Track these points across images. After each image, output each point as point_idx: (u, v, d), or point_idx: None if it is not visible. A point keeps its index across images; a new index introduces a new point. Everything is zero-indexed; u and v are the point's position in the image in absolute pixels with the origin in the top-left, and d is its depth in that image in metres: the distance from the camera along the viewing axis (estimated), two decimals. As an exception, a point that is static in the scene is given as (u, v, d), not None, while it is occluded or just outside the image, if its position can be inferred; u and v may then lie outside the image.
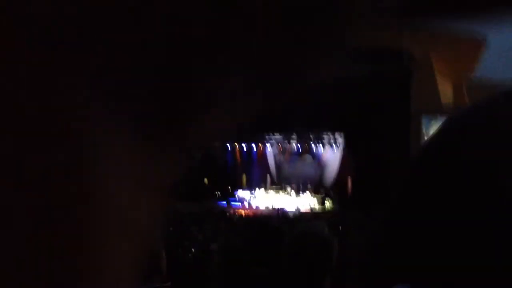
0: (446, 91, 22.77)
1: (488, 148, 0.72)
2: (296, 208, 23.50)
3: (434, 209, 0.77)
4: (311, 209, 23.81)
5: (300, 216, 20.23)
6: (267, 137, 28.35)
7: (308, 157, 28.77)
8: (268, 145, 28.84)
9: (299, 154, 28.74)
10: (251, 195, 26.19)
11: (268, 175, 28.68)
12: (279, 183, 27.90)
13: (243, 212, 22.99)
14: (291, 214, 21.31)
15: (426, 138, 18.80)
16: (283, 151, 29.58)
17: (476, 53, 22.11)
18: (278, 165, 30.18)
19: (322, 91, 23.46)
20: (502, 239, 0.71)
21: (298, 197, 25.19)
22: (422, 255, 0.76)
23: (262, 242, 2.94)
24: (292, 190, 26.00)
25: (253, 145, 29.00)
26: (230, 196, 26.65)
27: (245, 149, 29.22)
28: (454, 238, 0.74)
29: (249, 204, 25.43)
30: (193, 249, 8.83)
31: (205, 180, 28.73)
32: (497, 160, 0.72)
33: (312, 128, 26.35)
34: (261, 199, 25.63)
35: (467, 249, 0.73)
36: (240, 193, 26.69)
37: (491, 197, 0.70)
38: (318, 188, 26.30)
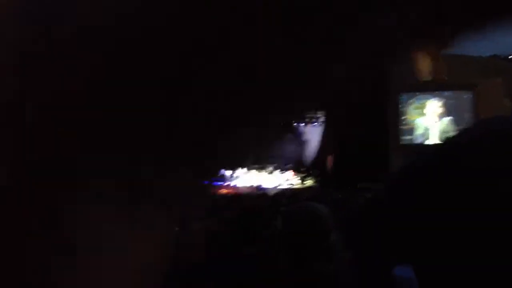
0: (424, 68, 22.80)
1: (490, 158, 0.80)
2: (277, 186, 23.58)
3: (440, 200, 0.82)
4: (292, 187, 23.89)
5: (281, 194, 20.29)
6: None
7: (289, 136, 28.77)
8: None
9: (279, 132, 28.54)
10: (232, 174, 26.15)
11: (249, 154, 28.51)
12: (260, 162, 27.89)
13: (224, 191, 22.94)
14: (271, 192, 21.37)
15: (403, 117, 18.70)
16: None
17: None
18: (258, 144, 30.03)
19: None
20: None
21: (280, 176, 25.24)
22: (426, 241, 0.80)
23: (247, 223, 2.91)
24: (274, 169, 26.03)
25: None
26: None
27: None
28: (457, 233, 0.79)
29: (230, 183, 25.41)
30: (176, 228, 8.69)
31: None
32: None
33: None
34: (242, 178, 25.62)
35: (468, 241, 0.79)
36: (221, 172, 26.50)
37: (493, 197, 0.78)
38: (299, 166, 26.37)
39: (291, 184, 24.38)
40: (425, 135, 21.15)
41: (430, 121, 21.19)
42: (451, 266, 0.80)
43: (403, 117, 21.64)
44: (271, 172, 25.86)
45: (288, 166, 26.38)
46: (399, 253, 0.87)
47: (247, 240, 2.78)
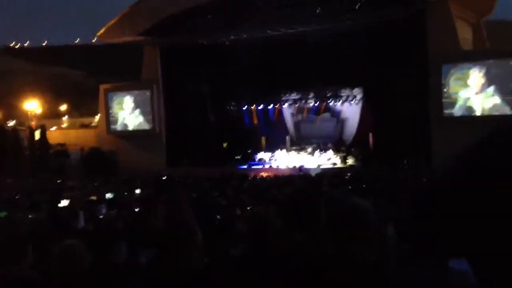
0: (465, 36, 22.05)
1: None
2: (317, 166, 23.41)
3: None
4: (333, 166, 23.65)
5: (323, 174, 20.14)
6: (283, 97, 28.15)
7: (326, 115, 28.52)
8: (285, 105, 28.60)
9: (317, 112, 28.47)
10: (272, 156, 26.13)
11: (287, 136, 28.57)
12: (299, 143, 27.79)
13: (264, 174, 22.93)
14: (313, 172, 21.24)
15: (446, 89, 18.13)
16: (300, 111, 29.34)
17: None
18: (296, 125, 30.05)
19: (333, 45, 23.01)
20: None
21: (320, 156, 25.04)
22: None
23: (295, 209, 2.86)
24: (313, 150, 25.85)
25: (269, 105, 28.84)
26: (250, 159, 26.89)
27: (261, 110, 29.13)
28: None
29: (270, 165, 25.37)
30: (218, 216, 8.57)
31: (224, 144, 28.84)
32: None
33: (329, 85, 25.93)
34: (282, 160, 25.55)
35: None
36: (260, 155, 26.71)
37: None
38: (339, 145, 26.11)
39: (333, 164, 24.12)
40: (468, 107, 20.45)
41: (472, 92, 20.43)
42: (506, 259, 0.79)
43: (444, 89, 20.95)
44: (311, 153, 25.69)
45: (328, 145, 26.16)
46: (454, 246, 0.86)
47: (297, 227, 2.73)
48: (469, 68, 20.47)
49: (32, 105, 41.19)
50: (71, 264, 2.77)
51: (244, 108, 29.05)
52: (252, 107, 28.97)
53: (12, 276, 2.71)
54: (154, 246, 2.35)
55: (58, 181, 22.17)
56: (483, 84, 20.10)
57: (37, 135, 30.27)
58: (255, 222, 3.18)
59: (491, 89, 19.89)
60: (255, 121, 29.44)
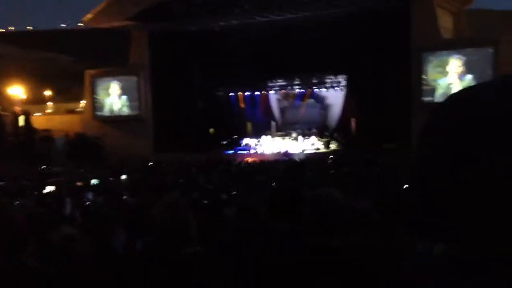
0: (445, 25, 22.37)
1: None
2: (301, 150, 23.76)
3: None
4: (317, 151, 24.02)
5: (307, 159, 20.48)
6: (269, 83, 28.39)
7: (311, 102, 28.83)
8: (271, 91, 28.83)
9: (302, 98, 28.80)
10: (257, 142, 26.40)
11: (272, 122, 28.86)
12: (284, 129, 28.08)
13: (250, 159, 23.21)
14: (297, 157, 21.57)
15: (425, 76, 18.33)
16: (286, 97, 29.62)
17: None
18: (282, 111, 30.34)
19: (320, 32, 23.26)
20: None
21: (304, 141, 25.37)
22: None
23: (279, 201, 2.98)
24: (298, 135, 26.18)
25: (256, 92, 29.07)
26: (236, 144, 27.18)
27: (248, 96, 29.35)
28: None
29: (256, 150, 25.64)
30: (204, 201, 8.72)
31: (211, 129, 28.99)
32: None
33: (315, 71, 26.19)
34: (267, 145, 25.84)
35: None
36: (246, 140, 26.97)
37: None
38: (322, 131, 26.47)
39: (317, 149, 24.48)
40: (447, 95, 20.81)
41: (451, 80, 20.83)
42: None
43: (424, 77, 21.33)
44: (295, 138, 26.01)
45: (312, 131, 26.49)
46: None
47: (281, 217, 2.83)
48: (448, 56, 20.86)
49: (17, 91, 40.79)
50: (73, 252, 2.96)
51: (231, 94, 29.19)
52: (239, 93, 29.14)
53: (12, 264, 2.83)
54: (151, 235, 2.53)
55: (43, 167, 22.19)
56: (461, 72, 20.51)
57: (22, 120, 30.07)
58: (243, 211, 3.39)
59: (469, 76, 20.31)
60: (242, 106, 29.62)
